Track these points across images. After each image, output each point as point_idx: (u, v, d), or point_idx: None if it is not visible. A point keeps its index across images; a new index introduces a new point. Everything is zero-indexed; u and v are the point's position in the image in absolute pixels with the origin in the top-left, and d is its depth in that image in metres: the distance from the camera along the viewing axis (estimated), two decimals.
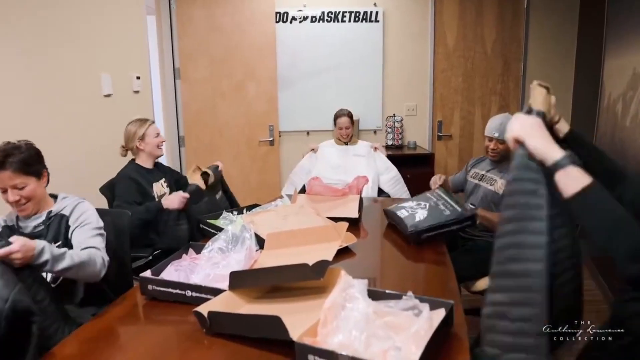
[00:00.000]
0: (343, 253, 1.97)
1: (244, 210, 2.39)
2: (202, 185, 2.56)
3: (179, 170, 4.13)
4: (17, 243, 1.37)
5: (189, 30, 4.23)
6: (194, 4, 4.19)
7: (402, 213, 2.23)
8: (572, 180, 1.04)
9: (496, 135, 2.52)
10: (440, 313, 1.27)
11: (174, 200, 2.33)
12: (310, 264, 1.39)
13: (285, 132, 4.52)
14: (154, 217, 2.32)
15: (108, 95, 2.98)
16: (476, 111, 4.52)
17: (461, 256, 2.47)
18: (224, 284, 1.51)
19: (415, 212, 2.22)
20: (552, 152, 1.07)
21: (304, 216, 2.13)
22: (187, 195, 2.37)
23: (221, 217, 2.25)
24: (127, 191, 2.37)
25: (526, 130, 1.11)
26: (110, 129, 2.89)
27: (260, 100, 4.37)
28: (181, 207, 2.34)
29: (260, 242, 1.90)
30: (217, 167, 2.78)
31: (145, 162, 2.53)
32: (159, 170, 2.64)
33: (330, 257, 1.53)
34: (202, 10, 4.21)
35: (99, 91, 2.90)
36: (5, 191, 1.65)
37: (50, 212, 1.77)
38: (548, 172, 1.07)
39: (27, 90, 2.31)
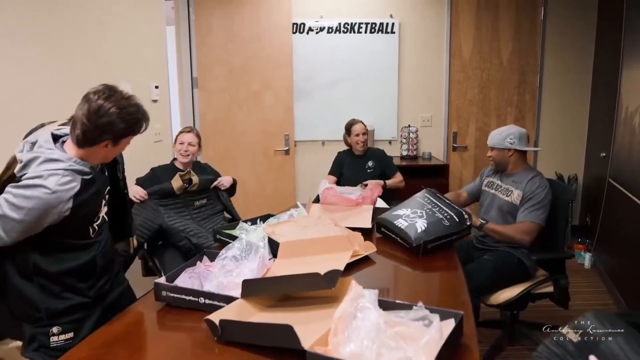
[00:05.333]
0: (363, 262, 1.99)
1: (258, 221, 2.40)
2: (177, 188, 2.77)
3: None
4: None
5: (207, 41, 4.30)
6: (213, 15, 4.27)
7: (401, 223, 2.18)
8: None
9: (488, 143, 2.67)
10: (450, 323, 1.27)
11: (130, 190, 2.47)
12: (322, 273, 1.40)
13: (300, 141, 4.55)
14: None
15: None
16: (492, 122, 4.50)
17: (478, 268, 2.45)
18: (237, 292, 1.52)
19: (415, 221, 2.15)
20: None
21: (323, 227, 2.14)
22: (142, 193, 2.66)
23: (238, 227, 2.27)
24: (143, 178, 2.82)
25: None
26: None
27: (277, 109, 4.41)
28: (132, 200, 2.57)
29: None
30: (212, 179, 2.94)
31: (178, 163, 2.90)
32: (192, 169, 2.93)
33: (341, 267, 1.54)
34: (220, 21, 4.28)
35: None
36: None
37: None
38: None
39: (48, 97, 2.37)
